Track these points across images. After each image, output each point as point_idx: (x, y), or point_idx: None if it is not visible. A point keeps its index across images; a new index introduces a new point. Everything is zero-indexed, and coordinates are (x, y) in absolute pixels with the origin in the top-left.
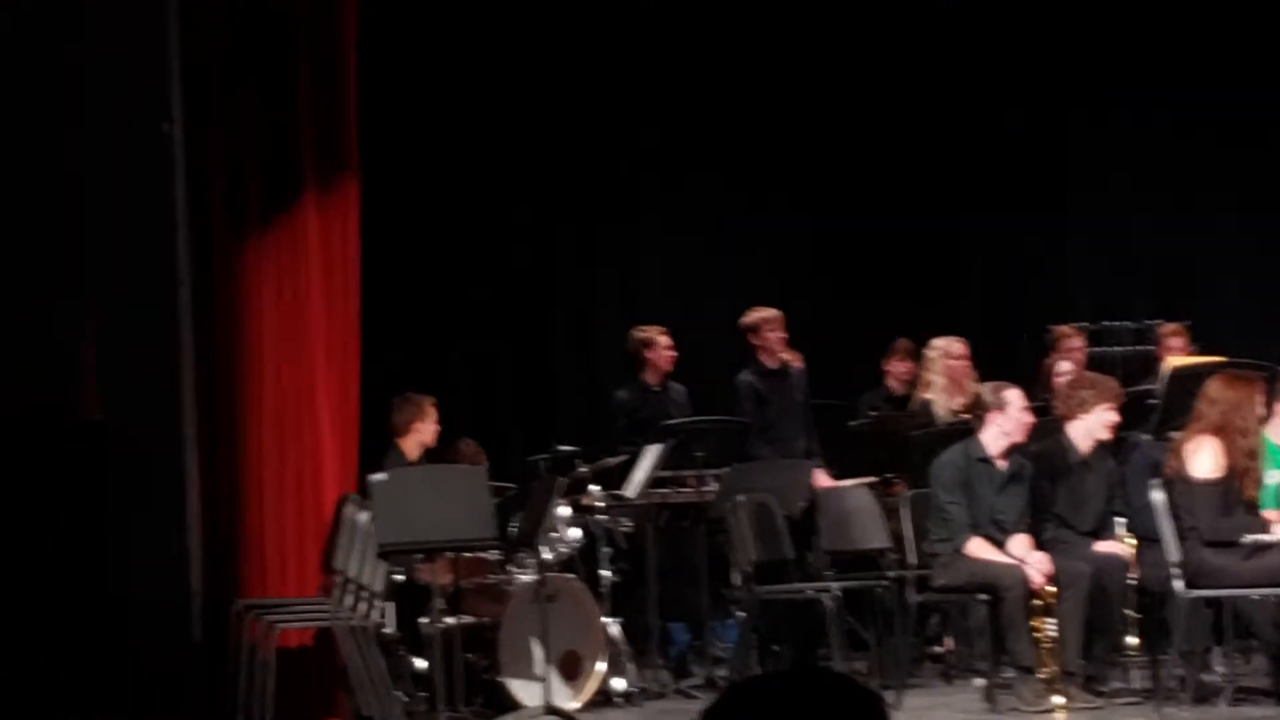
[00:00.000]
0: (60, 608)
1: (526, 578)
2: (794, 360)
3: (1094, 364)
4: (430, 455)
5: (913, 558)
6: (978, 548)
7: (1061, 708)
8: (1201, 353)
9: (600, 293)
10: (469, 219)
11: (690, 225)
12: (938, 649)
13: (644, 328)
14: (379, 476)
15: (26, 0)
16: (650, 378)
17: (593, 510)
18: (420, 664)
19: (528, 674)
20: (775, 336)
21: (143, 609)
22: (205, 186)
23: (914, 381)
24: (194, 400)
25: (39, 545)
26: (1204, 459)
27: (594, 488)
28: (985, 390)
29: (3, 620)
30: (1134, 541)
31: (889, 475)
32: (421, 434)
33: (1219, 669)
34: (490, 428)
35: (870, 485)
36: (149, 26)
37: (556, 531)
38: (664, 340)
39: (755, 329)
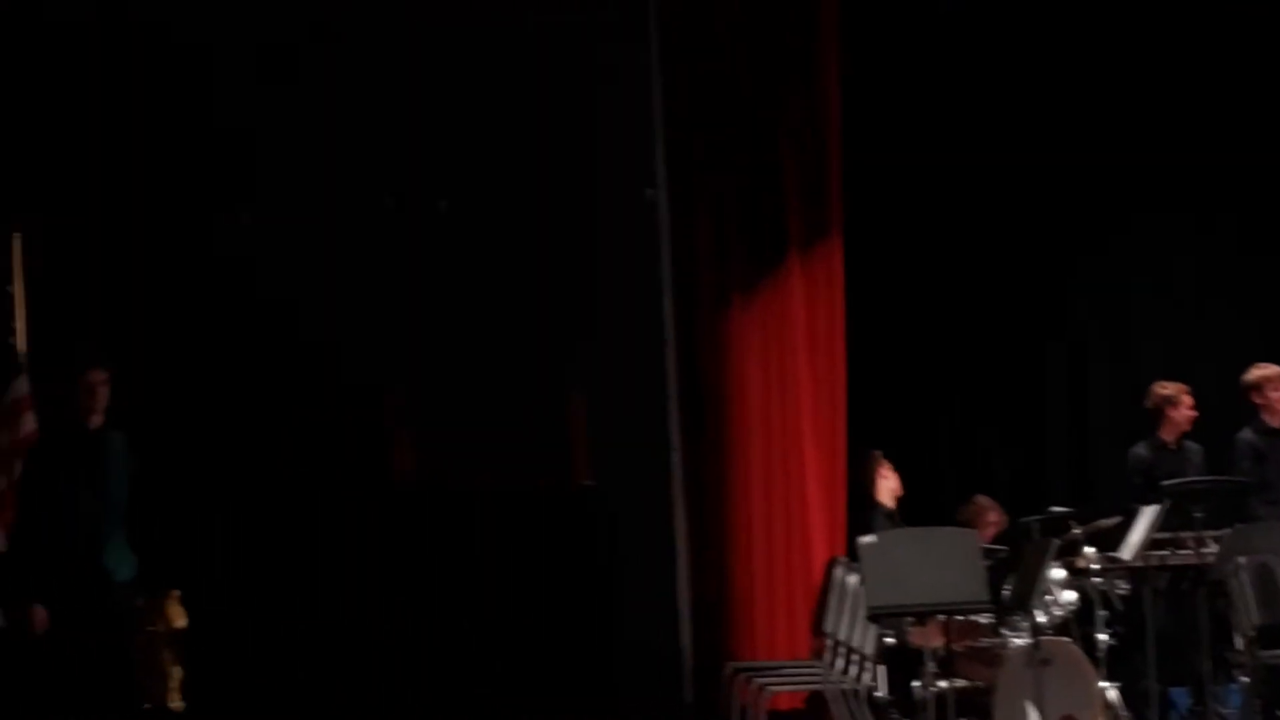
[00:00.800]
0: (561, 661)
1: (1020, 641)
2: None
3: None
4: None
5: None
6: None
7: None
8: None
9: (1091, 350)
10: (951, 276)
11: (1182, 278)
12: None
13: (1166, 384)
14: (868, 539)
15: (537, 82)
16: (1167, 435)
17: (1088, 573)
18: None
19: None
20: (1276, 396)
21: (636, 668)
22: (690, 256)
23: None
24: (681, 465)
25: (541, 602)
26: None
27: (1089, 550)
28: None
29: (509, 670)
30: None
31: None
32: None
33: None
34: (979, 489)
35: None
36: (636, 103)
37: (1051, 594)
38: (1187, 399)
39: (1258, 387)
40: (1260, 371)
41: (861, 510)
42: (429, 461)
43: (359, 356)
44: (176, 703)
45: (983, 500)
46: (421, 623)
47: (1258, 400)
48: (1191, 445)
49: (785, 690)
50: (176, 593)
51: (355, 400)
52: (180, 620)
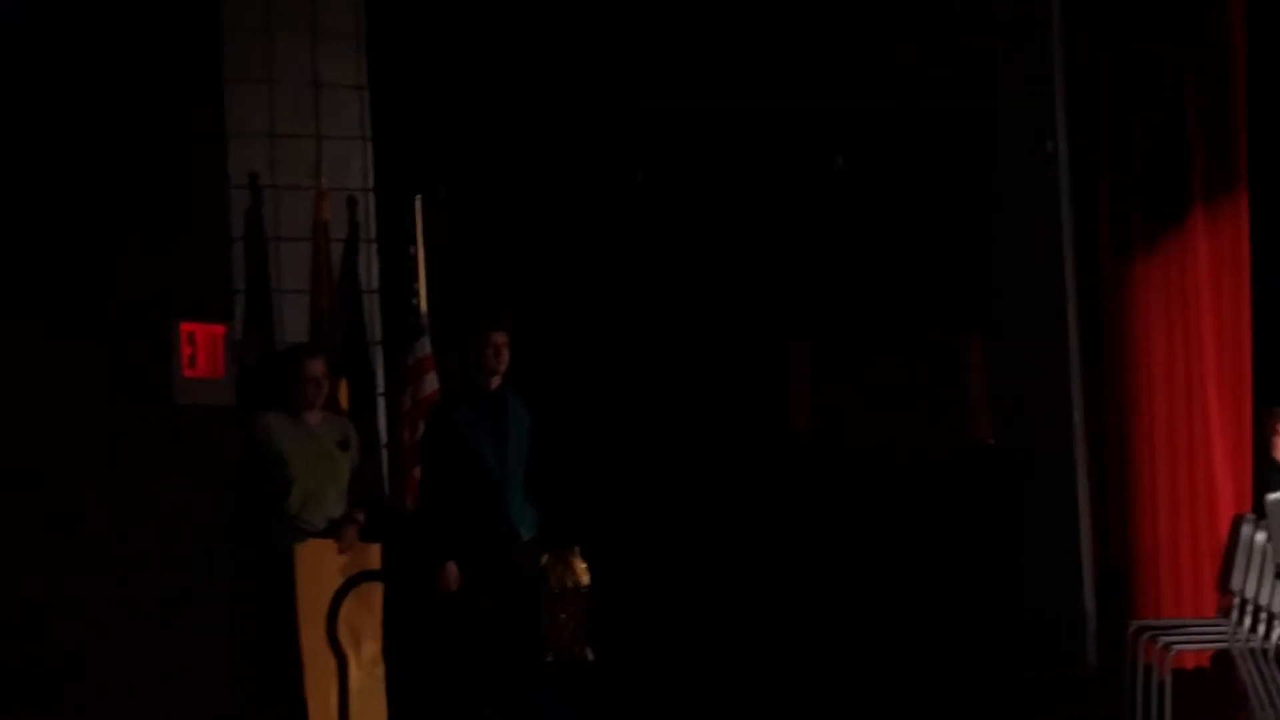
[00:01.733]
0: (964, 617)
1: None
2: None
3: None
4: None
5: None
6: None
7: None
8: None
9: None
10: None
11: None
12: None
13: None
14: (1276, 495)
15: (938, 35)
16: None
17: None
18: None
19: None
20: None
21: (1039, 627)
22: (1090, 209)
23: None
24: (1083, 423)
25: (939, 563)
26: None
27: None
28: None
29: (906, 630)
30: None
31: None
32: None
33: None
34: None
35: None
36: (1036, 54)
37: None
38: None
39: None
40: None
41: (1265, 468)
42: (828, 420)
43: (759, 314)
44: (585, 655)
45: None
46: (815, 581)
47: None
48: None
49: (1191, 649)
50: (578, 549)
51: (756, 358)
52: (584, 576)
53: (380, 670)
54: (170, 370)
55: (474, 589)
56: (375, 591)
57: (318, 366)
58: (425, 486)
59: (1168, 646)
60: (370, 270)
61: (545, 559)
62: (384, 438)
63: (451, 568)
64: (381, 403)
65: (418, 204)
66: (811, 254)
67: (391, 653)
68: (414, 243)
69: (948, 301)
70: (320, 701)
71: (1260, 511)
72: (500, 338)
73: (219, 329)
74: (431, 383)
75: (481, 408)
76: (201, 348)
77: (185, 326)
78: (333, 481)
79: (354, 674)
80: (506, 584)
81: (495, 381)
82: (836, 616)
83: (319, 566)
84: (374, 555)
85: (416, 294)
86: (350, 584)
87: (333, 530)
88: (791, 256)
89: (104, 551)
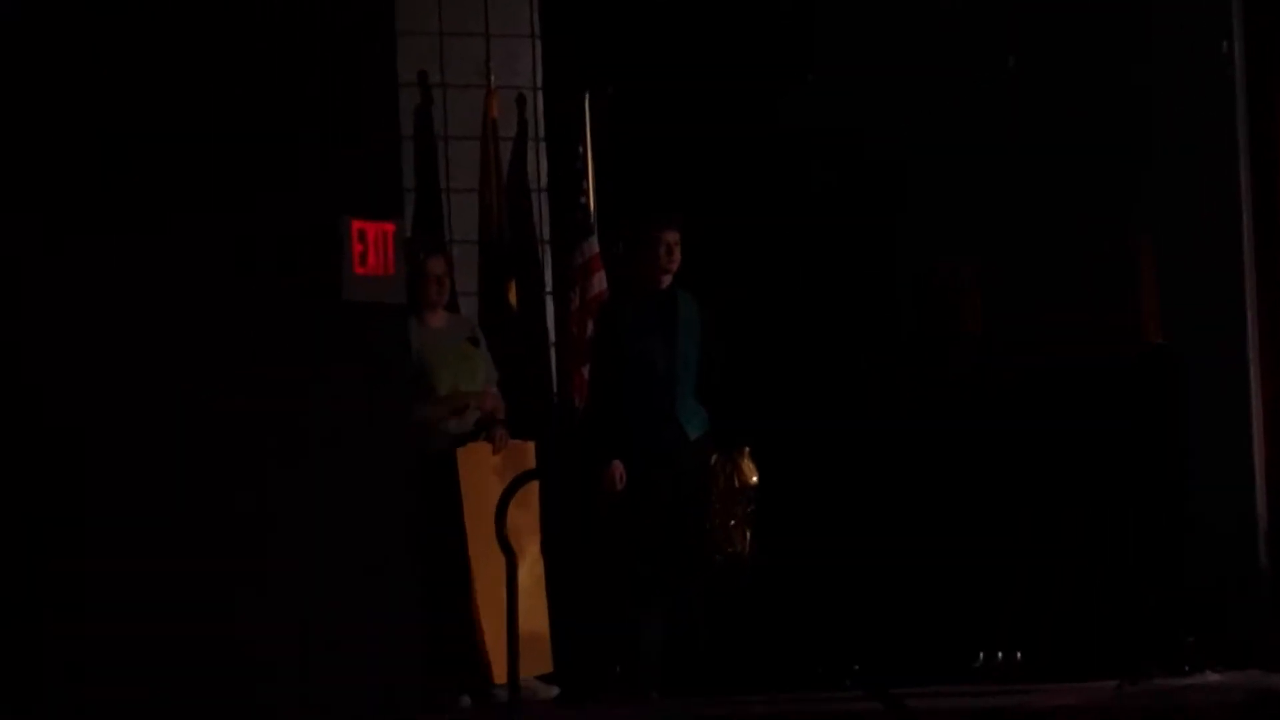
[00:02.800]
0: (1139, 515)
1: None
2: None
3: None
4: None
5: None
6: None
7: None
8: None
9: None
10: None
11: None
12: None
13: None
14: None
15: None
16: None
17: None
18: None
19: None
20: None
21: (1209, 531)
22: (1267, 111)
23: None
24: (1257, 324)
25: (1111, 462)
26: None
27: None
28: None
29: (1082, 523)
30: None
31: None
32: None
33: None
34: None
35: None
36: None
37: None
38: None
39: None
40: None
41: None
42: (997, 323)
43: (930, 215)
44: (749, 553)
45: None
46: (984, 484)
47: None
48: None
49: None
50: (747, 449)
51: (926, 260)
52: (752, 476)
53: (540, 568)
54: (340, 267)
55: (640, 488)
56: (532, 490)
57: (439, 264)
58: (594, 385)
59: None
60: (539, 169)
61: (714, 458)
62: (552, 336)
63: (617, 466)
64: (550, 301)
65: (586, 102)
66: (982, 154)
67: (550, 551)
68: (583, 141)
69: (1119, 202)
70: (490, 603)
71: None
72: (672, 237)
73: (389, 226)
74: (599, 282)
75: (651, 307)
76: (371, 245)
77: (355, 224)
78: (472, 380)
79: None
80: (672, 483)
81: (666, 280)
82: (1004, 520)
83: (478, 468)
84: (529, 454)
85: (585, 192)
86: (518, 483)
87: (481, 431)
88: (963, 157)
89: (276, 445)
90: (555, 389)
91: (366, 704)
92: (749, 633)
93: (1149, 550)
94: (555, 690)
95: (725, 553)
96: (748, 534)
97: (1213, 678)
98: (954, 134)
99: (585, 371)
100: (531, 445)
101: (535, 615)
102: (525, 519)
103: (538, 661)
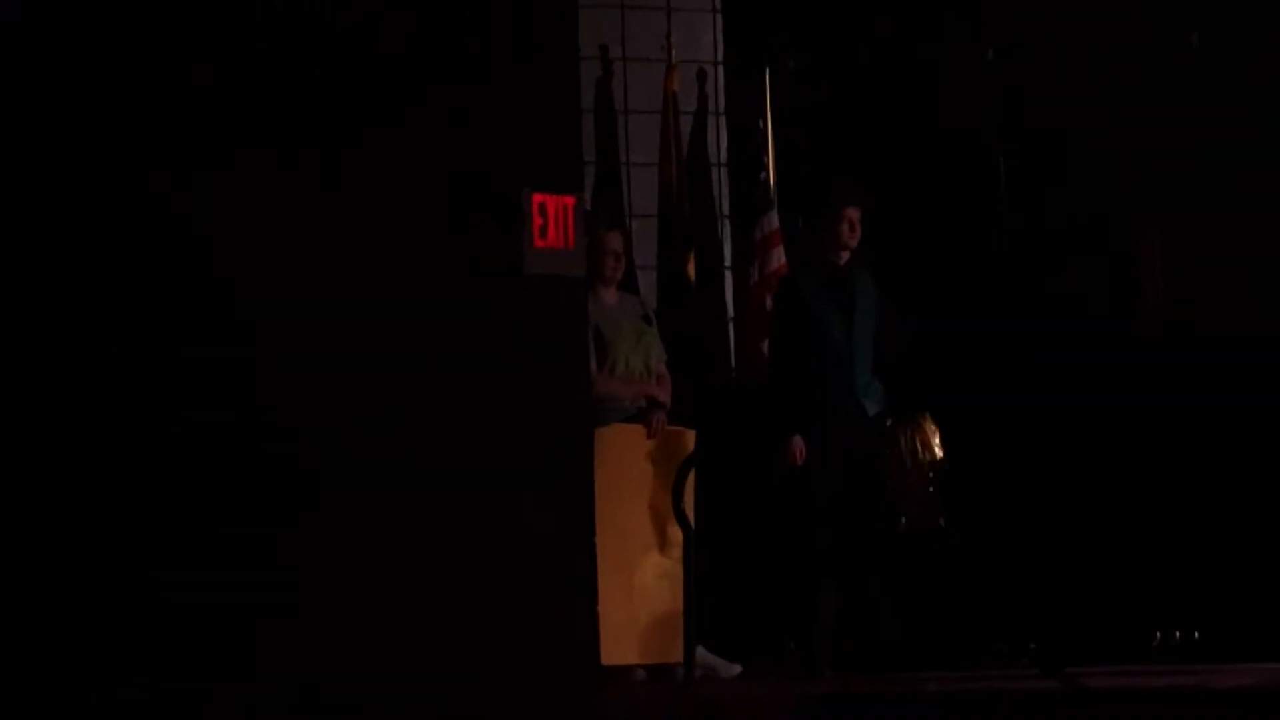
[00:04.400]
0: None
1: None
2: None
3: None
4: None
5: None
6: None
7: None
8: None
9: None
10: None
11: None
12: None
13: None
14: None
15: None
16: None
17: None
18: None
19: None
20: None
21: None
22: None
23: None
24: None
25: None
26: None
27: None
28: None
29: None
30: None
31: None
32: None
33: None
34: None
35: None
36: None
37: None
38: None
39: None
40: None
41: None
42: (1180, 296)
43: (1111, 188)
44: (938, 523)
45: None
46: (1163, 456)
47: None
48: None
49: None
50: (929, 416)
51: (1107, 234)
52: (935, 440)
53: (678, 553)
54: (521, 240)
55: (818, 462)
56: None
57: (617, 240)
58: (774, 359)
59: None
60: (719, 143)
61: (891, 422)
62: (730, 311)
63: (798, 441)
64: (728, 276)
65: (767, 76)
66: (1165, 126)
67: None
68: (763, 115)
69: None
70: (615, 586)
71: None
72: (854, 213)
73: (569, 200)
74: (779, 256)
75: (830, 282)
76: (552, 218)
77: (536, 197)
78: (647, 358)
79: (655, 558)
80: (850, 457)
81: (845, 256)
82: (1186, 497)
83: (624, 451)
84: (687, 441)
85: (765, 167)
86: (691, 463)
87: (642, 415)
88: (1146, 129)
89: (451, 415)
90: (733, 364)
91: (545, 674)
92: (928, 609)
93: None
94: (738, 668)
95: (913, 523)
96: (934, 503)
97: None
98: (1140, 105)
99: (764, 346)
100: (691, 433)
101: (668, 599)
102: (667, 505)
103: (670, 648)
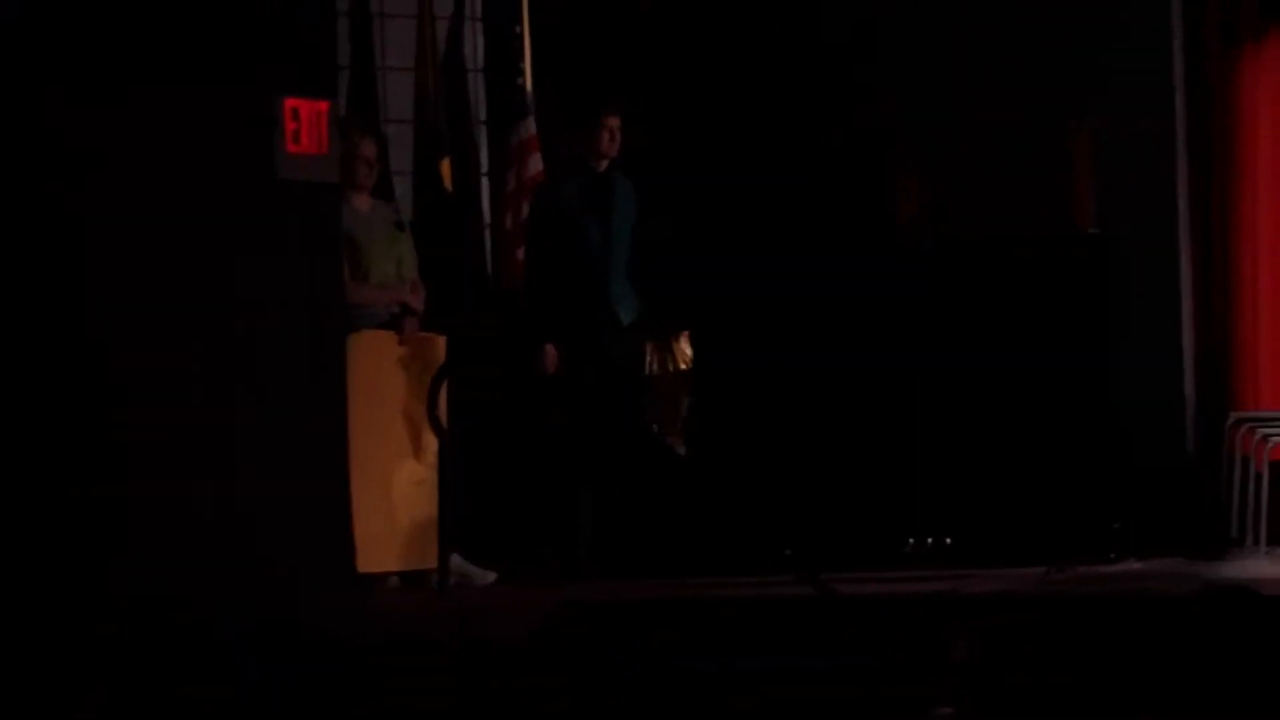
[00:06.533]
0: (1069, 402)
1: None
2: None
3: None
4: None
5: None
6: None
7: None
8: None
9: None
10: None
11: None
12: None
13: None
14: None
15: None
16: None
17: None
18: None
19: None
20: None
21: (1139, 415)
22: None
23: None
24: (1188, 211)
25: (1043, 346)
26: None
27: None
28: None
29: (1011, 409)
30: None
31: None
32: None
33: None
34: None
35: None
36: None
37: None
38: None
39: None
40: None
41: None
42: (932, 208)
43: (868, 98)
44: (680, 447)
45: None
46: (916, 369)
47: None
48: None
49: None
50: (685, 333)
51: (863, 148)
52: (686, 360)
53: (433, 459)
54: (274, 145)
55: (571, 370)
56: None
57: (370, 146)
58: (528, 267)
59: (1265, 438)
60: (475, 49)
61: (649, 343)
62: (487, 219)
63: (550, 349)
64: (485, 183)
65: None
66: (917, 39)
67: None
68: (519, 21)
69: (1054, 88)
70: (366, 492)
71: None
72: (614, 122)
73: (323, 105)
74: (536, 163)
75: (588, 190)
76: (305, 123)
77: (289, 102)
78: (400, 266)
79: (410, 465)
80: (604, 366)
81: (604, 165)
82: (934, 406)
83: (377, 357)
84: (439, 347)
85: (522, 73)
86: (446, 371)
87: (395, 322)
88: (897, 41)
89: (200, 319)
90: (490, 272)
91: (297, 576)
92: (684, 517)
93: (1078, 437)
94: (493, 575)
95: (665, 435)
96: (678, 421)
97: (1135, 565)
98: (898, 22)
99: (521, 254)
100: (442, 339)
101: (425, 507)
102: (421, 412)
103: (425, 555)
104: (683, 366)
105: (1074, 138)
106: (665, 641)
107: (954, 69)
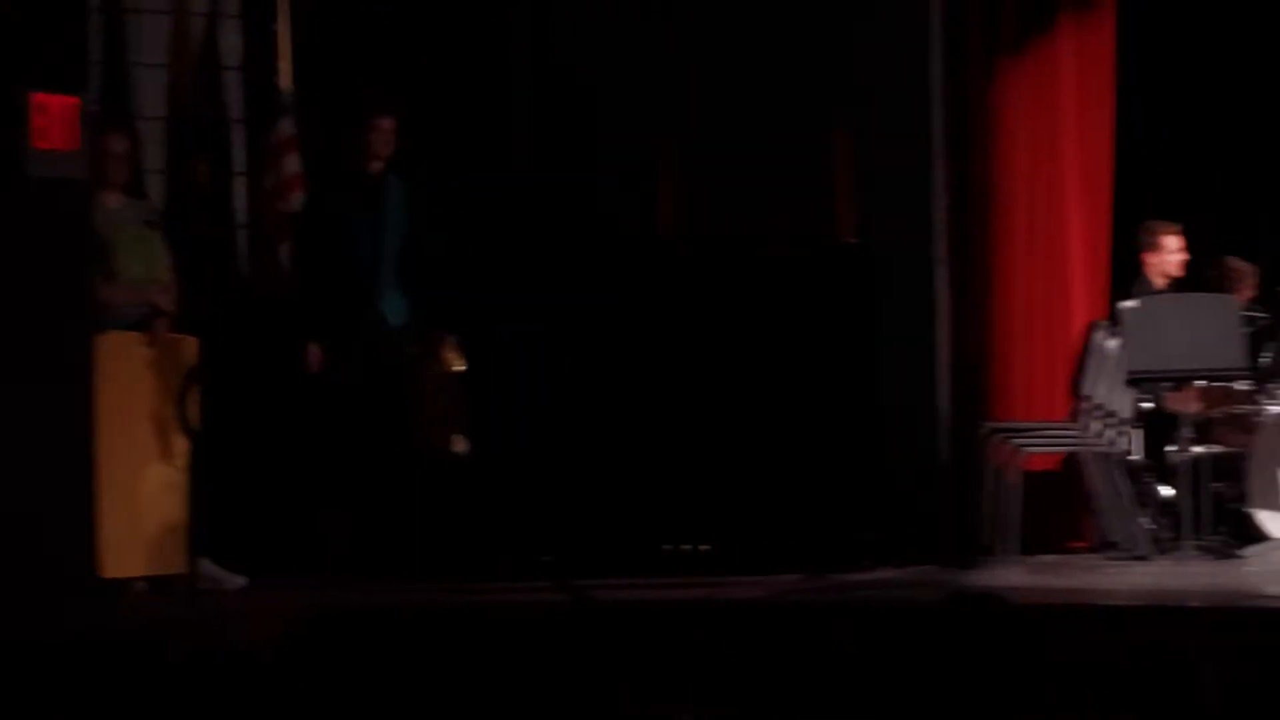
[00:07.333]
0: (826, 411)
1: (1277, 409)
2: None
3: None
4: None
5: None
6: None
7: None
8: None
9: None
10: (1222, 32)
11: None
12: None
13: None
14: (1129, 303)
15: None
16: None
17: None
18: (1167, 492)
19: (1276, 505)
20: None
21: (897, 424)
22: (960, 13)
23: None
24: (945, 222)
25: (804, 356)
26: None
27: None
28: None
29: (773, 419)
30: None
31: None
32: (1162, 265)
33: None
34: (1241, 255)
35: None
36: None
37: None
38: None
39: None
40: None
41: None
42: (692, 213)
43: (629, 106)
44: (459, 446)
45: (1235, 263)
46: (678, 373)
47: None
48: None
49: (1041, 451)
50: (452, 337)
51: (623, 152)
52: (457, 364)
53: (182, 463)
54: (21, 141)
55: (337, 372)
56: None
57: (120, 142)
58: (296, 267)
59: (1019, 448)
60: (232, 46)
61: (417, 347)
62: (242, 219)
63: (314, 350)
64: (240, 182)
65: None
66: (677, 47)
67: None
68: (274, 19)
69: (814, 98)
70: (113, 496)
71: (1114, 318)
72: (387, 123)
73: (72, 100)
74: (294, 164)
75: (360, 191)
76: (54, 119)
77: (37, 97)
78: (152, 265)
79: (157, 468)
80: (370, 368)
81: (377, 166)
82: (700, 413)
83: (124, 359)
84: (190, 349)
85: (278, 71)
86: (195, 373)
87: (144, 322)
88: (657, 49)
89: None
90: (246, 272)
91: (36, 580)
92: (443, 523)
93: (839, 446)
94: (242, 580)
95: (432, 443)
96: (451, 422)
97: (889, 573)
98: (656, 23)
99: (281, 253)
100: (193, 341)
101: (171, 509)
102: (170, 414)
103: (173, 560)
104: (451, 369)
105: (833, 147)
106: (413, 647)
107: (716, 77)
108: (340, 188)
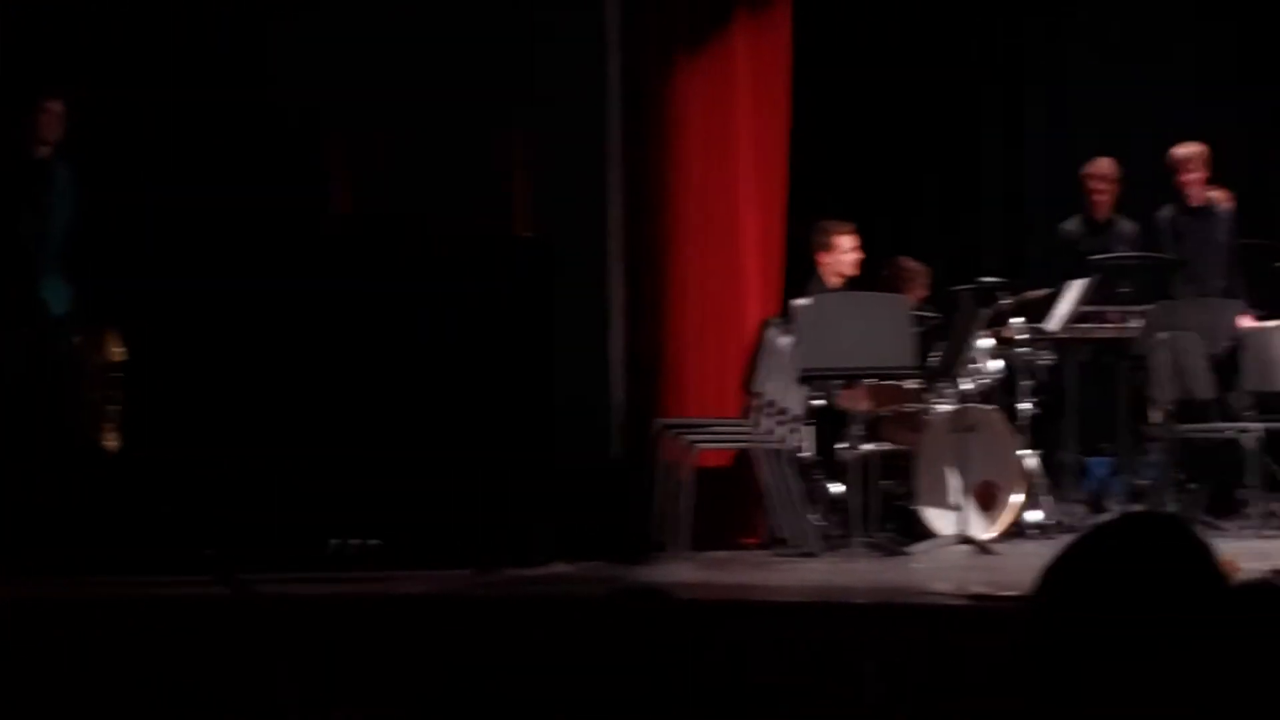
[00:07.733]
0: (501, 405)
1: (945, 407)
2: (1222, 199)
3: None
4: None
5: None
6: None
7: None
8: None
9: (1028, 120)
10: (897, 38)
11: (1125, 50)
12: None
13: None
14: (802, 301)
15: None
16: (1098, 214)
17: (1014, 343)
18: (837, 489)
19: (943, 503)
20: (1194, 177)
21: (572, 419)
22: (637, 8)
23: None
24: (620, 219)
25: (476, 352)
26: None
27: (1016, 320)
28: None
29: (445, 412)
30: None
31: None
32: (836, 264)
33: None
34: (914, 256)
35: None
36: None
37: (976, 362)
38: (1105, 172)
39: (1180, 166)
40: (1181, 150)
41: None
42: (367, 203)
43: (300, 94)
44: (111, 441)
45: (908, 263)
46: (350, 364)
47: (1179, 179)
48: (1125, 223)
49: (712, 448)
50: (114, 329)
51: (295, 139)
52: (117, 355)
53: None
54: None
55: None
56: None
57: None
58: None
59: (691, 444)
60: None
61: (78, 338)
62: None
63: None
64: None
65: None
66: (357, 38)
67: None
68: None
69: (491, 92)
70: None
71: (787, 316)
72: (56, 106)
73: None
74: None
75: (24, 176)
76: None
77: None
78: None
79: None
80: (31, 357)
81: (43, 151)
82: (368, 406)
83: None
84: None
85: None
86: None
87: None
88: (335, 38)
89: None
90: None
91: None
92: (100, 517)
93: (513, 440)
94: None
95: (86, 437)
96: (106, 417)
97: (561, 568)
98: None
99: None
100: None
101: None
102: None
103: None
104: (111, 360)
105: (508, 141)
106: (76, 641)
107: (393, 68)
108: (4, 171)
